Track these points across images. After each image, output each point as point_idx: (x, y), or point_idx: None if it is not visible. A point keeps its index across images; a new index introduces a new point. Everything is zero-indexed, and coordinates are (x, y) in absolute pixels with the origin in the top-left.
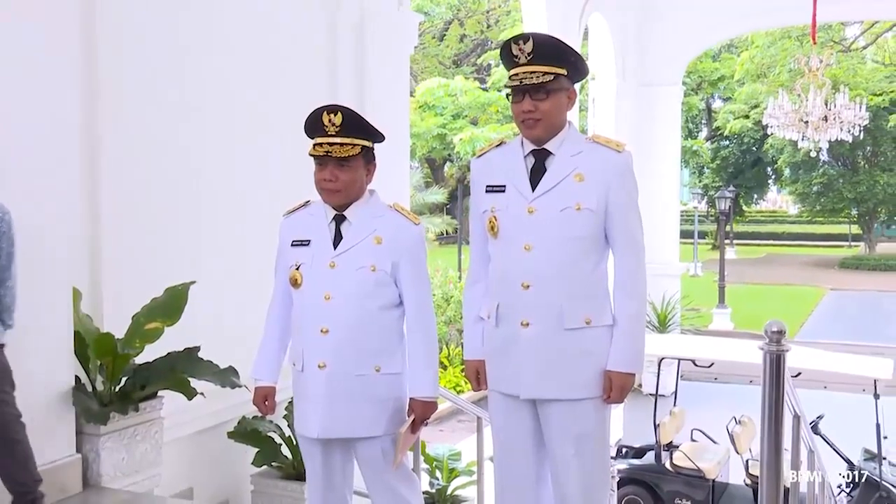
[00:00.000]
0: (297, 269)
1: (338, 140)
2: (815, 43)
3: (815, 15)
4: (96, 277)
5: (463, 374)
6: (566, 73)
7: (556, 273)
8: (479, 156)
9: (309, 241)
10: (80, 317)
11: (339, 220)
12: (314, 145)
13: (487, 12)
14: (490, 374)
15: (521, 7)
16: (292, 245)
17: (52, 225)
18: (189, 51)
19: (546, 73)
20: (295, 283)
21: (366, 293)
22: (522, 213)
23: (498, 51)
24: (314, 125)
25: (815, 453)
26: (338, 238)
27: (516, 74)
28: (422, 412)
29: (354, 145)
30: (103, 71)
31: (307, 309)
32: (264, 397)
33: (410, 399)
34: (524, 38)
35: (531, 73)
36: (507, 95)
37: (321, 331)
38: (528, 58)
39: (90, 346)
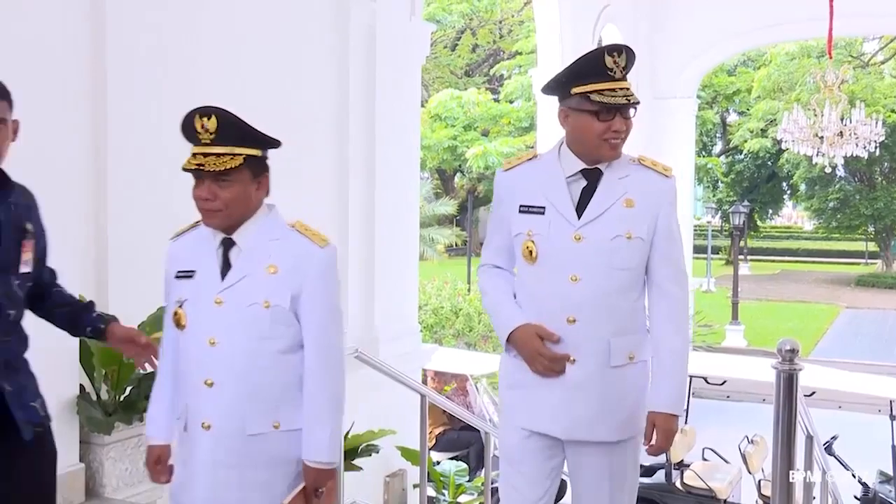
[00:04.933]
0: (181, 306)
1: (213, 150)
2: (831, 57)
3: (831, 29)
4: (102, 287)
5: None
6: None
7: (604, 306)
8: (509, 169)
9: (193, 271)
10: None
11: (228, 244)
12: (189, 157)
13: (500, 22)
14: (517, 409)
15: (534, 17)
16: (177, 277)
17: (58, 233)
18: (199, 61)
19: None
20: (178, 323)
21: (260, 335)
22: (568, 241)
23: (509, 62)
24: (187, 132)
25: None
26: (226, 267)
27: (612, 90)
28: (314, 480)
29: (235, 156)
30: (112, 79)
31: (190, 356)
32: (157, 458)
33: (303, 463)
34: (618, 50)
35: (627, 90)
36: (596, 111)
37: (205, 383)
38: (623, 72)
39: (95, 355)
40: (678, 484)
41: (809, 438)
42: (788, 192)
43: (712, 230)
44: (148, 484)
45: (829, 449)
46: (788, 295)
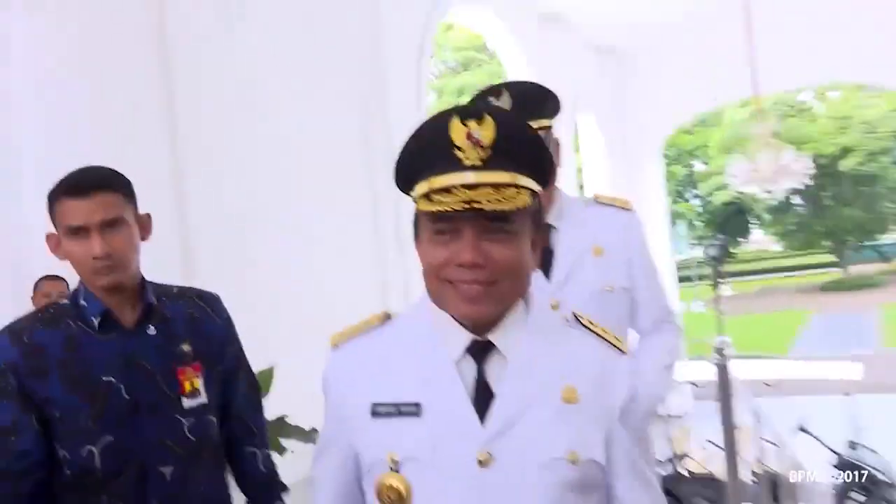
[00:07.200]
0: (396, 468)
1: (489, 178)
2: (760, 112)
3: (757, 86)
4: None
5: None
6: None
7: None
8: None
9: (418, 405)
10: None
11: (481, 354)
12: (429, 194)
13: None
14: None
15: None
16: (376, 414)
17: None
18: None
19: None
20: (393, 498)
21: None
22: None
23: None
24: (432, 151)
25: (779, 442)
26: (482, 395)
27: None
28: None
29: (520, 188)
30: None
31: None
32: None
33: None
34: (495, 91)
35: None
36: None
37: None
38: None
39: None
40: (683, 471)
41: (755, 415)
42: (757, 222)
43: (697, 262)
44: None
45: (803, 428)
46: (766, 307)
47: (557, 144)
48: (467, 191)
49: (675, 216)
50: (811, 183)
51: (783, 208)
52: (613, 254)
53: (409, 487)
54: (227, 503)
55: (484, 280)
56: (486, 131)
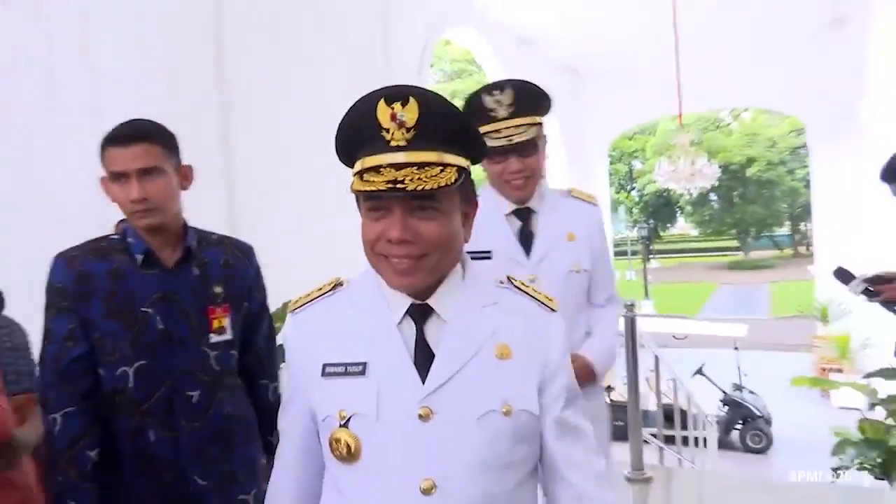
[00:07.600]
0: (345, 425)
1: (414, 158)
2: (682, 126)
3: (680, 107)
4: None
5: None
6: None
7: None
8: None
9: (364, 364)
10: None
11: (420, 317)
12: (362, 173)
13: None
14: None
15: None
16: (326, 374)
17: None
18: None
19: (531, 124)
20: (343, 453)
21: (499, 463)
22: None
23: None
24: (363, 131)
25: (675, 380)
26: (423, 355)
27: (496, 132)
28: None
29: (446, 167)
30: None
31: None
32: None
33: None
34: (499, 87)
35: (515, 128)
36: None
37: None
38: (511, 109)
39: None
40: (607, 400)
41: (656, 358)
42: (679, 211)
43: (632, 241)
44: None
45: (700, 371)
46: (684, 278)
47: (545, 140)
48: (394, 171)
49: (617, 203)
50: (718, 184)
51: (701, 202)
52: (581, 240)
53: (358, 441)
54: (249, 419)
55: (414, 254)
56: (409, 113)
